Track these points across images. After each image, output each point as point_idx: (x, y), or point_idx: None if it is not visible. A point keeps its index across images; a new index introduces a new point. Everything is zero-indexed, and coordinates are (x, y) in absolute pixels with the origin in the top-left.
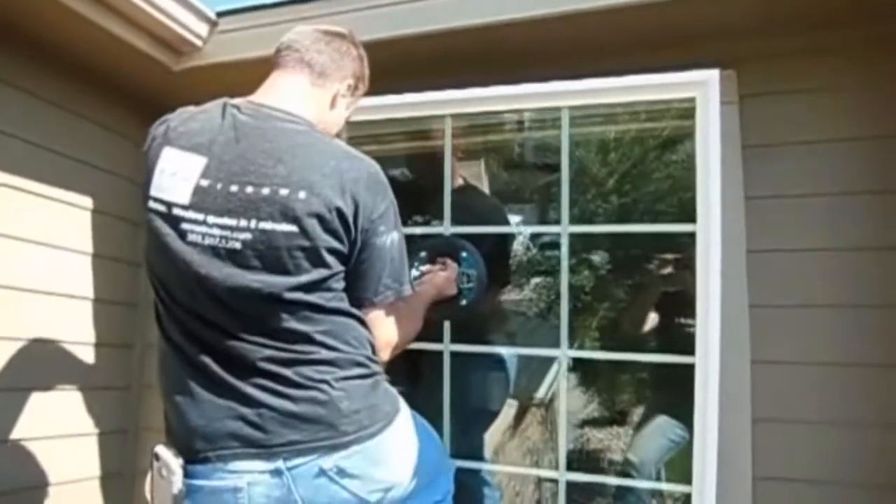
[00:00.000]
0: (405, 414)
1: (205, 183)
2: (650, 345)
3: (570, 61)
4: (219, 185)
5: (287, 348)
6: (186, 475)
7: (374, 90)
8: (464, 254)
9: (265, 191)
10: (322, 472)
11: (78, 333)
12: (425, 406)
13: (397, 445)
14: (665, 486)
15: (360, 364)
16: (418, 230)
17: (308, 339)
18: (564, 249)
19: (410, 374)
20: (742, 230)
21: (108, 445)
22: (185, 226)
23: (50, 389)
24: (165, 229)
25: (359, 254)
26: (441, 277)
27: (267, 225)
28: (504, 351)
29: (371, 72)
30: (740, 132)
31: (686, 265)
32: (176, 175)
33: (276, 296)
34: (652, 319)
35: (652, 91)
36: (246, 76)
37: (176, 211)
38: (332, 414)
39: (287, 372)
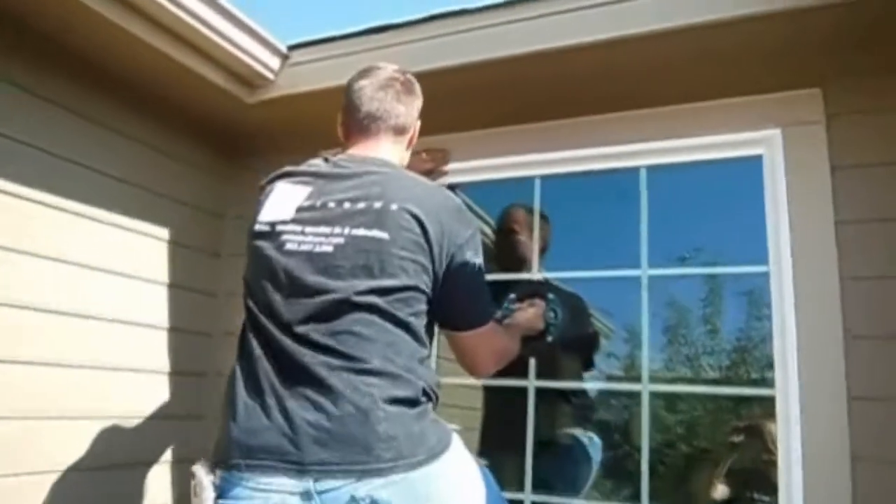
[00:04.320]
0: (458, 453)
1: (307, 203)
2: None
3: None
4: (318, 203)
5: (344, 353)
6: (218, 493)
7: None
8: (550, 295)
9: (361, 205)
10: (354, 501)
11: (153, 362)
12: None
13: (445, 484)
14: None
15: (412, 389)
16: (508, 276)
17: (367, 343)
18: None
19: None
20: (833, 256)
21: (180, 473)
22: (284, 237)
23: (129, 418)
24: (266, 244)
25: (448, 278)
26: (531, 311)
27: (359, 231)
28: (588, 386)
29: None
30: (828, 152)
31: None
32: (284, 202)
33: (353, 295)
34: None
35: (723, 149)
36: (316, 107)
37: (279, 227)
38: (367, 435)
39: (333, 379)
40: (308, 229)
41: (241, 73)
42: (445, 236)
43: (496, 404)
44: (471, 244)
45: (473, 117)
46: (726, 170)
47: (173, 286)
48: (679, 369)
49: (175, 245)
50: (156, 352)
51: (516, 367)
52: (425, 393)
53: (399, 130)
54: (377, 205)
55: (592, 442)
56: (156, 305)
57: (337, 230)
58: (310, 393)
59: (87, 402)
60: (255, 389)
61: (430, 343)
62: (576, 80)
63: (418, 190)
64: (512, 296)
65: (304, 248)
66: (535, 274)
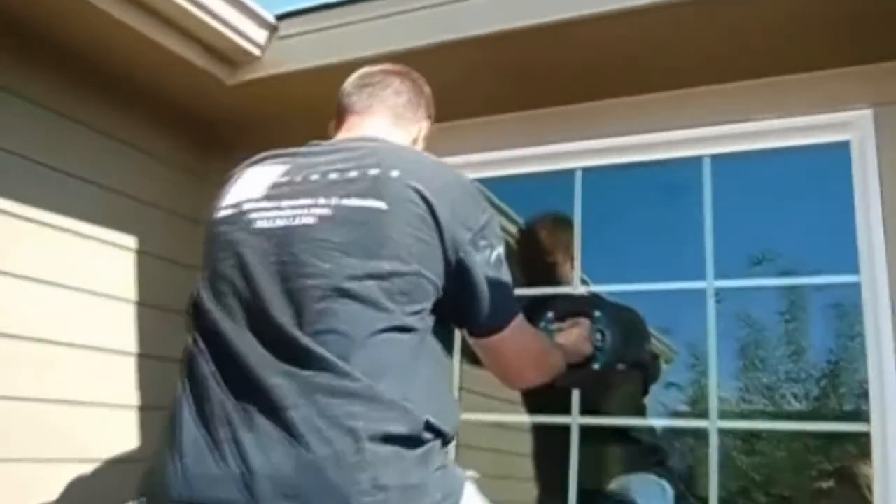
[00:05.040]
0: None
1: (283, 179)
2: None
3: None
4: (299, 178)
5: (322, 360)
6: None
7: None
8: (597, 313)
9: (353, 173)
10: None
11: (118, 394)
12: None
13: None
14: None
15: (410, 422)
16: (544, 290)
17: (356, 349)
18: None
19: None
20: None
21: None
22: (253, 215)
23: (84, 460)
24: (229, 227)
25: (462, 271)
26: (574, 333)
27: (351, 201)
28: (645, 423)
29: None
30: None
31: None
32: (254, 183)
33: (343, 280)
34: None
35: (802, 135)
36: (307, 89)
37: (246, 206)
38: (345, 484)
39: (303, 408)
40: (285, 203)
41: (220, 48)
42: (458, 219)
43: (540, 447)
44: (489, 230)
45: (495, 100)
46: (807, 159)
47: (142, 304)
48: (755, 401)
49: (143, 255)
50: (122, 382)
51: (556, 401)
52: (430, 428)
53: (398, 115)
54: (373, 171)
55: (665, 492)
56: (120, 327)
57: (322, 201)
58: (271, 426)
59: (37, 441)
60: (203, 417)
61: (447, 358)
62: (623, 52)
63: (423, 166)
64: (549, 314)
65: (280, 223)
66: (578, 287)
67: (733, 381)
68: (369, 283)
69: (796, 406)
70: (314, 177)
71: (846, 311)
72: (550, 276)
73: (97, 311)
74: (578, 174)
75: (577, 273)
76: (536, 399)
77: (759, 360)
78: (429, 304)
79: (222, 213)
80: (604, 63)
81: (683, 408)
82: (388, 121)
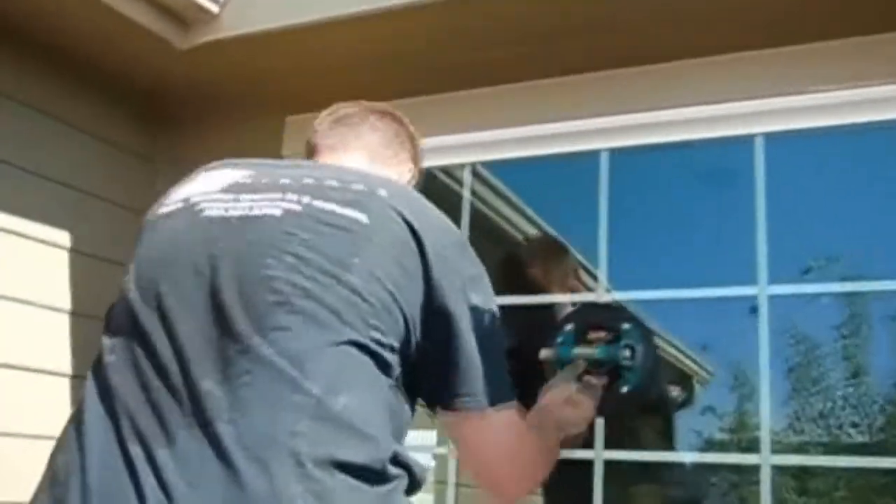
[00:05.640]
0: None
1: (245, 180)
2: None
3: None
4: (265, 179)
5: (265, 360)
6: None
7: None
8: (625, 325)
9: (331, 182)
10: None
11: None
12: None
13: None
14: None
15: (372, 451)
16: (563, 297)
17: (310, 349)
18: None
19: None
20: None
21: None
22: (203, 205)
23: None
24: (170, 221)
25: (444, 320)
26: (558, 394)
27: (328, 206)
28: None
29: None
30: None
31: None
32: (208, 182)
33: (300, 277)
34: None
35: (872, 109)
36: (271, 56)
37: (195, 199)
38: None
39: (237, 416)
40: (245, 196)
41: (169, 4)
42: (446, 261)
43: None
44: (482, 285)
45: (503, 66)
46: (880, 139)
47: (78, 315)
48: (808, 430)
49: (79, 255)
50: (54, 407)
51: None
52: (398, 463)
53: (374, 153)
54: (357, 186)
55: None
56: (51, 341)
57: (291, 196)
58: (195, 445)
59: None
60: (117, 434)
61: (411, 410)
62: (657, 6)
63: (412, 197)
64: (568, 327)
65: (236, 213)
66: (602, 295)
67: (782, 406)
68: (336, 288)
69: (857, 437)
70: (284, 180)
71: None
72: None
73: (22, 322)
74: (604, 157)
75: (601, 278)
76: None
77: (812, 382)
78: (397, 344)
79: (159, 211)
80: (631, 22)
81: (721, 437)
82: (364, 159)
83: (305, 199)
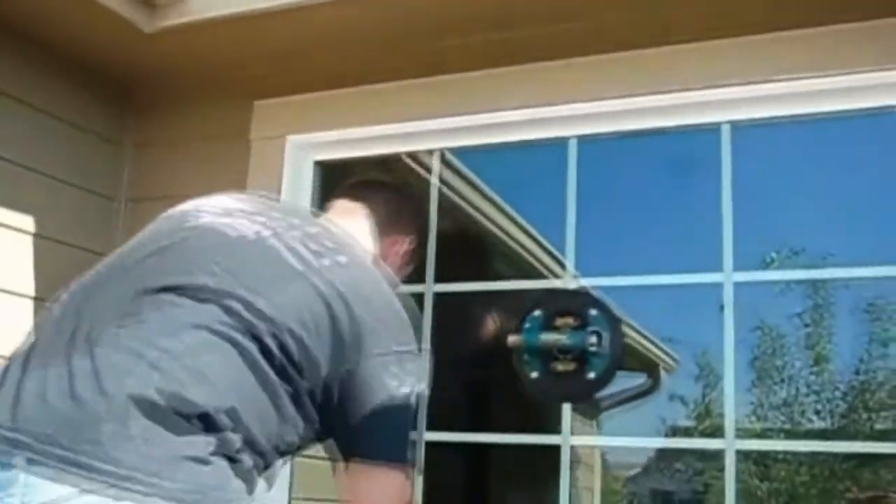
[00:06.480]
0: None
1: (238, 206)
2: None
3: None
4: (260, 219)
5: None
6: None
7: None
8: (592, 311)
9: (313, 229)
10: None
11: None
12: None
13: None
14: None
15: (215, 426)
16: (532, 284)
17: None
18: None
19: None
20: None
21: None
22: (198, 213)
23: None
24: (166, 223)
25: (360, 380)
26: None
27: (298, 247)
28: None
29: None
30: None
31: None
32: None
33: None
34: None
35: (842, 98)
36: (240, 42)
37: (195, 211)
38: (91, 425)
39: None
40: (238, 217)
41: None
42: (380, 329)
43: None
44: (415, 365)
45: (472, 53)
46: (845, 128)
47: (42, 301)
48: (770, 417)
49: (43, 240)
50: None
51: (544, 419)
52: (251, 448)
53: (378, 223)
54: (328, 243)
55: None
56: (14, 330)
57: (280, 224)
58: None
59: None
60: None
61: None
62: None
63: (374, 279)
64: (537, 313)
65: (220, 223)
66: (570, 281)
67: (745, 394)
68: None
69: (819, 424)
70: (275, 214)
71: (880, 313)
72: None
73: None
74: (572, 144)
75: (569, 265)
76: (519, 416)
77: (776, 370)
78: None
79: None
80: (602, 7)
81: (686, 423)
82: (366, 226)
83: (281, 228)
